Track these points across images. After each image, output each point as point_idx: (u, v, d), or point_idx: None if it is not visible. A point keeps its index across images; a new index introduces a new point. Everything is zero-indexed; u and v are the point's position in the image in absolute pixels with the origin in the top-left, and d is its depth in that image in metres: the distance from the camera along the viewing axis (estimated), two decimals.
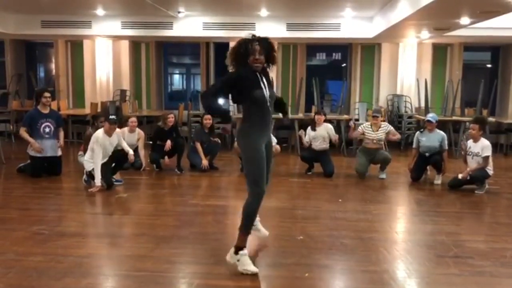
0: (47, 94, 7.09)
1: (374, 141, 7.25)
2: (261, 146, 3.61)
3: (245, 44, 3.55)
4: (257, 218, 4.03)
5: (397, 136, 7.43)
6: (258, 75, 3.60)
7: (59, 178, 7.03)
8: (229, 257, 3.62)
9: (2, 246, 4.13)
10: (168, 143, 7.51)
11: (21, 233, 4.50)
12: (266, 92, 3.60)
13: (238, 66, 3.60)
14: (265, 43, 3.60)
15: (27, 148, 7.02)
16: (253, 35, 3.60)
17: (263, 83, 3.60)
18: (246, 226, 3.64)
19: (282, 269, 3.75)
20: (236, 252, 3.58)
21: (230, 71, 3.67)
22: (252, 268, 3.54)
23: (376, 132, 7.25)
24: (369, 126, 7.30)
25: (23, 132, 6.97)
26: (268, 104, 3.61)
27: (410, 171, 7.09)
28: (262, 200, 3.63)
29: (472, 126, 6.51)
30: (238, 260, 3.56)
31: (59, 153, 7.15)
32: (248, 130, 3.62)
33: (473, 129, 6.46)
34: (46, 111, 7.09)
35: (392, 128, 7.41)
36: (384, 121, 7.34)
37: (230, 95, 3.67)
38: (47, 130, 7.03)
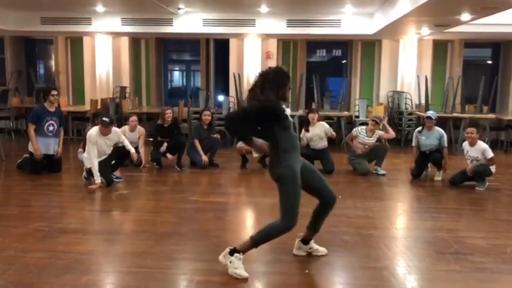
0: (54, 92, 7.11)
1: (366, 146, 7.31)
2: (299, 175, 3.48)
3: (285, 75, 3.54)
4: (312, 241, 3.93)
5: (385, 135, 7.46)
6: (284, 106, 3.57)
7: (59, 175, 7.03)
8: (222, 256, 3.52)
9: (2, 243, 4.14)
10: (164, 146, 7.51)
11: (22, 230, 4.50)
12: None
13: (271, 94, 3.44)
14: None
15: (28, 145, 7.02)
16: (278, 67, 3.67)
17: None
18: (259, 242, 3.54)
19: (282, 265, 3.75)
20: (232, 254, 3.48)
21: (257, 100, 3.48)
22: (243, 272, 3.44)
23: (370, 138, 7.30)
24: (364, 131, 7.31)
25: (31, 131, 6.92)
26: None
27: (411, 170, 7.05)
28: (289, 231, 3.51)
29: (470, 130, 6.41)
30: (230, 262, 3.47)
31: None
32: (290, 161, 3.46)
33: (471, 133, 6.38)
34: (52, 109, 7.08)
35: (381, 132, 7.47)
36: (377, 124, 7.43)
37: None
38: (50, 128, 7.02)
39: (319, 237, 4.33)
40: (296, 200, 3.44)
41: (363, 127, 7.43)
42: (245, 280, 3.42)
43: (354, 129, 7.47)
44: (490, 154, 6.34)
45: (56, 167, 7.08)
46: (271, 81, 3.47)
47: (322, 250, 3.94)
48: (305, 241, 3.90)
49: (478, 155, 6.38)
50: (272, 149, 3.55)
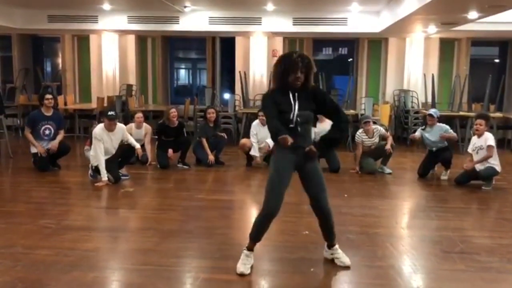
0: (48, 96, 7.14)
1: (372, 147, 7.33)
2: (285, 168, 3.47)
3: (285, 61, 3.42)
4: (336, 245, 3.75)
5: (389, 138, 7.34)
6: (291, 94, 3.44)
7: (66, 172, 7.07)
8: None
9: (10, 240, 4.17)
10: (170, 152, 7.45)
11: (29, 227, 4.53)
12: (294, 113, 3.44)
13: (278, 82, 3.50)
14: (306, 60, 3.40)
15: (30, 148, 7.07)
16: (294, 52, 3.50)
17: (294, 102, 3.45)
18: (255, 236, 3.59)
19: (288, 264, 3.75)
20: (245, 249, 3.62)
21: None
22: (241, 268, 3.49)
23: (372, 138, 7.30)
24: (364, 134, 7.31)
25: (28, 134, 7.03)
26: (294, 125, 3.44)
27: (412, 138, 7.11)
28: (270, 221, 3.50)
29: (479, 121, 6.45)
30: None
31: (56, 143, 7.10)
32: (277, 148, 3.53)
33: (480, 124, 6.41)
34: (48, 113, 7.12)
35: (383, 130, 7.43)
36: (375, 123, 7.36)
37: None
38: (47, 132, 7.07)
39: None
40: (273, 194, 3.44)
41: (360, 130, 7.41)
42: (252, 277, 3.43)
43: (356, 137, 7.41)
44: (490, 142, 6.30)
45: (63, 151, 7.13)
46: (275, 69, 3.51)
47: (345, 261, 3.69)
48: (329, 245, 3.79)
49: (482, 143, 6.37)
50: None
